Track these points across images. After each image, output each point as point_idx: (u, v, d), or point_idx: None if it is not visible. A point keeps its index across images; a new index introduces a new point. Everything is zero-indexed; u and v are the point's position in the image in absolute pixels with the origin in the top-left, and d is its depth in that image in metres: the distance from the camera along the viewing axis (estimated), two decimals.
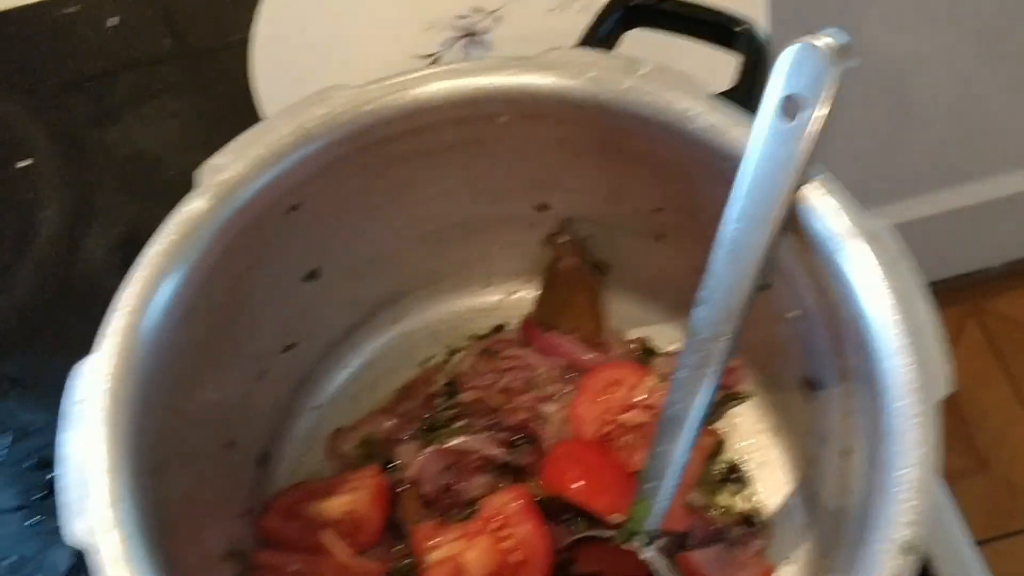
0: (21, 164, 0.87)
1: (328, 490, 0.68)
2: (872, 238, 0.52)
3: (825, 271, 0.54)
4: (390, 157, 0.61)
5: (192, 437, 0.60)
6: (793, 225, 0.54)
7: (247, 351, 0.65)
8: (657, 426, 0.59)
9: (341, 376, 0.74)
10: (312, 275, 0.67)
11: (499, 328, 0.75)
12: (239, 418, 0.66)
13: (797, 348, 0.63)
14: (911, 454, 0.47)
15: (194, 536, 0.60)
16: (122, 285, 0.54)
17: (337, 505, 0.67)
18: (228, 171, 0.56)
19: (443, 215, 0.69)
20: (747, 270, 0.53)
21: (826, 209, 0.53)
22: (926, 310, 0.50)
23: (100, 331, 0.53)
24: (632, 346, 0.73)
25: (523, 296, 0.76)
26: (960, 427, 1.47)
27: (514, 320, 0.75)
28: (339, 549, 0.65)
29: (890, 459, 0.47)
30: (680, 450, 0.58)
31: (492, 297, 0.76)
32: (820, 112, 0.50)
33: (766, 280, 0.60)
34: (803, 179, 0.52)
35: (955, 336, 1.55)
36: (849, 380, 0.56)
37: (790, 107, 0.51)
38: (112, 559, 0.48)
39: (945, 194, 1.43)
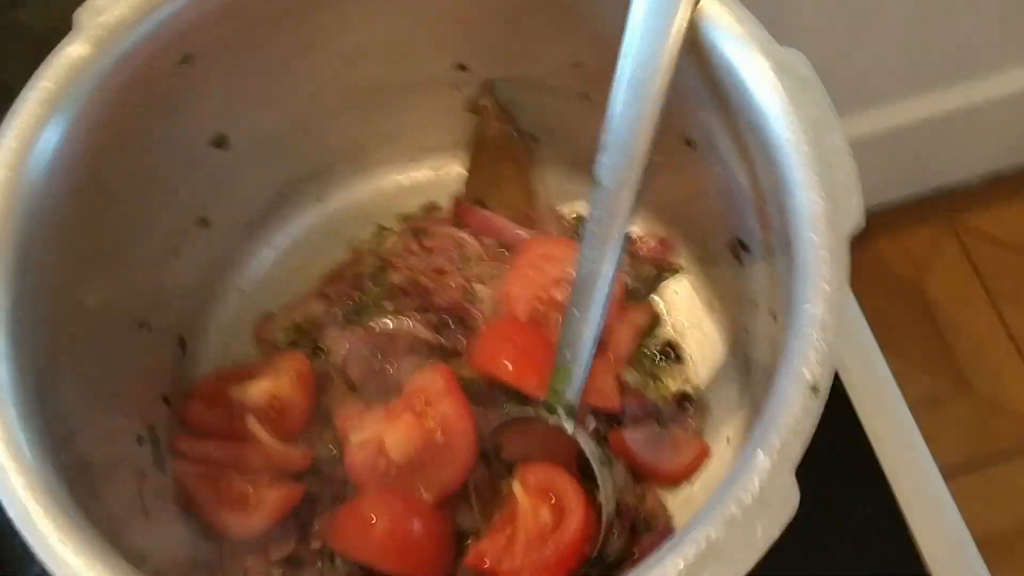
0: None
1: (251, 374, 0.66)
2: (779, 65, 0.48)
3: (735, 107, 0.50)
4: (285, 7, 0.57)
5: (96, 314, 0.57)
6: (696, 56, 0.50)
7: (155, 224, 0.61)
8: (572, 289, 0.55)
9: (266, 258, 0.71)
10: (220, 142, 0.63)
11: (430, 207, 0.72)
12: (152, 299, 0.63)
13: (724, 211, 0.59)
14: (816, 288, 0.44)
15: (105, 418, 0.57)
16: None
17: (260, 389, 0.65)
18: (109, 13, 0.52)
19: (355, 79, 0.65)
20: (648, 108, 0.50)
21: (730, 36, 0.49)
22: (838, 139, 0.47)
23: None
24: (566, 222, 0.70)
25: (453, 172, 0.73)
26: (939, 346, 1.42)
27: (445, 198, 0.72)
28: (263, 435, 0.63)
29: (798, 296, 0.44)
30: (594, 312, 0.55)
31: (421, 173, 0.73)
32: None
33: (688, 135, 0.57)
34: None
35: (932, 253, 1.49)
36: (770, 232, 0.53)
37: None
38: None
39: (914, 102, 1.33)
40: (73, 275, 0.54)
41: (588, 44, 0.59)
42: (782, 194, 0.48)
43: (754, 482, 0.41)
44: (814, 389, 0.42)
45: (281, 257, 0.72)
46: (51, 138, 0.51)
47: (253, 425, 0.63)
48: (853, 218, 0.46)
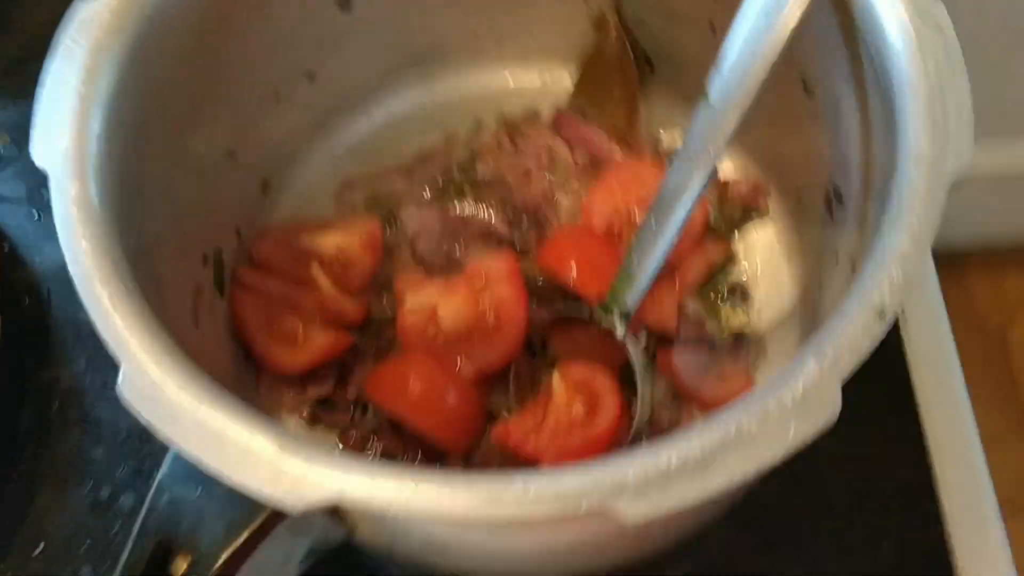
0: None
1: (324, 227, 0.67)
2: (919, 11, 0.47)
3: (864, 46, 0.49)
4: None
5: (190, 131, 0.59)
6: None
7: (265, 65, 0.63)
8: (654, 200, 0.55)
9: (362, 126, 0.72)
10: (344, 3, 0.64)
11: (533, 114, 0.72)
12: (246, 134, 0.64)
13: (826, 159, 0.58)
14: (904, 221, 0.43)
15: (177, 226, 0.59)
16: None
17: (330, 241, 0.66)
18: None
19: None
20: (775, 33, 0.49)
21: None
22: (961, 88, 0.46)
23: None
24: (663, 150, 0.70)
25: (560, 83, 0.73)
26: (1011, 390, 1.39)
27: (547, 107, 0.72)
28: (323, 281, 0.64)
29: (885, 229, 0.44)
30: (671, 225, 0.55)
31: (528, 77, 0.73)
32: None
33: (805, 76, 0.57)
34: None
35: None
36: (871, 177, 0.52)
37: None
38: (73, 197, 0.47)
39: None
40: (175, 90, 0.56)
41: None
42: (891, 133, 0.47)
43: (798, 385, 0.40)
44: (880, 313, 0.42)
45: (376, 129, 0.73)
46: None
47: (316, 271, 0.65)
48: (957, 163, 0.45)
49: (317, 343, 0.62)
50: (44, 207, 0.75)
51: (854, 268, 0.55)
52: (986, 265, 1.41)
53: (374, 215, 0.68)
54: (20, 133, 0.78)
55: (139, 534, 0.45)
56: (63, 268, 0.65)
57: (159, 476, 0.46)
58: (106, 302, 0.44)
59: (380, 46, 0.69)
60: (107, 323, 0.44)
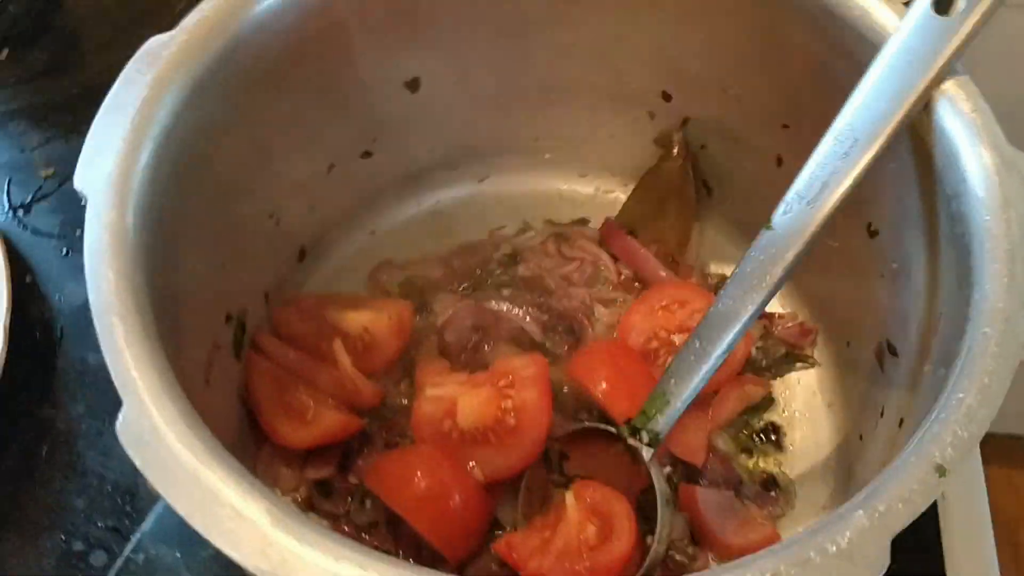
0: None
1: (354, 304, 0.65)
2: (1005, 163, 0.46)
3: (945, 193, 0.48)
4: None
5: (235, 191, 0.57)
6: (918, 133, 0.48)
7: (326, 133, 0.62)
8: (701, 321, 0.53)
9: (409, 211, 0.71)
10: (413, 85, 0.64)
11: (581, 221, 0.71)
12: (290, 201, 0.63)
13: (885, 311, 0.56)
14: (974, 379, 0.40)
15: (207, 278, 0.57)
16: None
17: (358, 319, 0.64)
18: None
19: (561, 73, 0.65)
20: (851, 167, 0.48)
21: (962, 121, 0.47)
22: None
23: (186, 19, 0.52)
24: (710, 278, 0.68)
25: (613, 196, 0.72)
26: None
27: (597, 219, 0.71)
28: (343, 359, 0.62)
29: (954, 382, 0.41)
30: (716, 348, 0.52)
31: (582, 187, 0.72)
32: (976, 12, 0.45)
33: (873, 221, 0.55)
34: (940, 79, 0.47)
35: None
36: (932, 335, 0.49)
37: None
38: (108, 223, 0.45)
39: None
40: (230, 139, 0.55)
41: (806, 105, 0.57)
42: (965, 285, 0.45)
43: (844, 535, 0.37)
44: (940, 469, 0.39)
45: (422, 217, 0.72)
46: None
47: (338, 347, 0.62)
48: None
49: (326, 422, 0.59)
50: (74, 244, 0.74)
51: (901, 424, 0.52)
52: (1003, 454, 1.37)
53: (406, 300, 0.66)
54: (65, 168, 0.77)
55: None
56: (81, 308, 0.64)
57: (140, 532, 0.43)
58: (120, 336, 0.42)
59: (440, 134, 0.68)
60: (117, 358, 0.41)
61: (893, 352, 0.55)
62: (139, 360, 0.42)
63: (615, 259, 0.68)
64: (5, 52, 0.85)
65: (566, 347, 0.65)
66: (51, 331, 0.71)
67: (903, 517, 0.38)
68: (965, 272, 0.45)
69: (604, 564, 0.51)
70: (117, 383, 0.41)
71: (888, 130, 0.48)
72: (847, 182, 0.49)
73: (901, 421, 0.52)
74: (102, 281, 0.43)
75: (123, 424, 0.40)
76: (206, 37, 0.50)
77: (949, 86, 0.48)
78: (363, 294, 0.67)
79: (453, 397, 0.58)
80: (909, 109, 0.47)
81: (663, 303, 0.64)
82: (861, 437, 0.57)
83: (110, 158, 0.46)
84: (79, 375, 0.69)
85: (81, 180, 0.46)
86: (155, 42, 0.49)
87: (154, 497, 0.40)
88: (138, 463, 0.39)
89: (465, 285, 0.68)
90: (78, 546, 0.61)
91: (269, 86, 0.55)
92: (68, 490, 0.63)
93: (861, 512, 0.38)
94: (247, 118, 0.55)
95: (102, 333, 0.42)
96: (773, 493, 0.59)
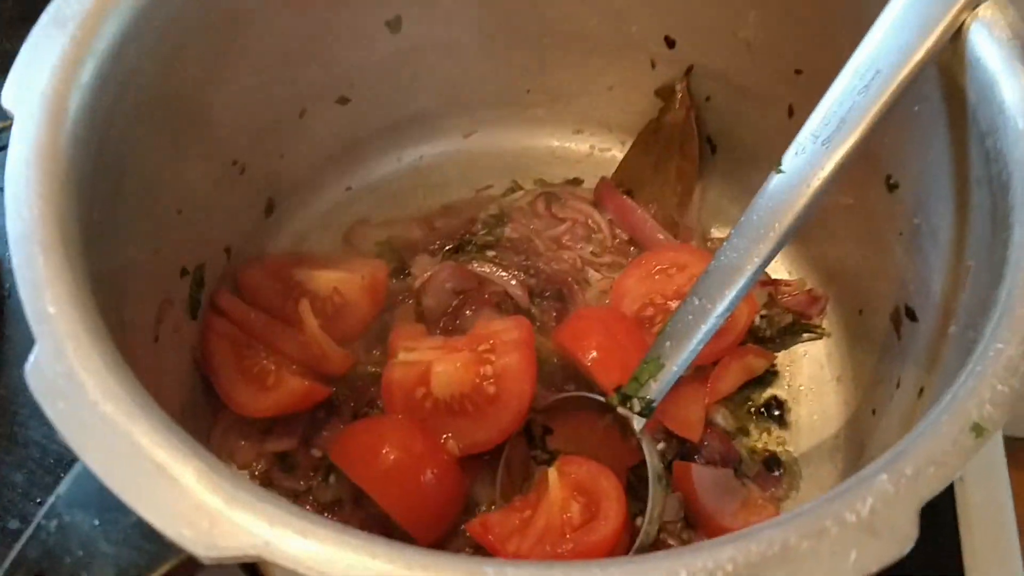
0: None
1: (324, 264, 0.60)
2: None
3: (981, 130, 0.42)
4: None
5: (199, 123, 0.52)
6: (950, 65, 0.43)
7: (297, 73, 0.57)
8: (699, 278, 0.48)
9: (387, 166, 0.66)
10: (394, 25, 0.58)
11: (574, 181, 0.66)
12: (258, 144, 0.58)
13: (903, 271, 0.51)
14: (1015, 330, 0.35)
15: (157, 225, 0.51)
16: None
17: (327, 279, 0.59)
18: None
19: (560, 12, 0.60)
20: (871, 105, 0.43)
21: (1002, 46, 0.41)
22: None
23: None
24: (710, 242, 0.62)
25: (609, 155, 0.66)
26: None
27: (591, 178, 0.65)
28: (310, 321, 0.57)
29: (991, 332, 0.36)
30: (717, 307, 0.47)
31: (576, 145, 0.67)
32: None
33: (892, 173, 0.50)
34: (974, 2, 0.42)
35: None
36: (959, 290, 0.44)
37: None
38: (38, 145, 0.40)
39: None
40: (188, 62, 0.49)
41: (823, 48, 0.52)
42: (1003, 227, 0.39)
43: (865, 502, 0.32)
44: (976, 428, 0.33)
45: (403, 172, 0.66)
46: None
47: (304, 308, 0.57)
48: None
49: (288, 388, 0.54)
50: None
51: (921, 394, 0.47)
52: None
53: (381, 260, 0.61)
54: None
55: (13, 563, 0.36)
56: None
57: (53, 496, 0.37)
58: (40, 267, 0.37)
59: (422, 82, 0.63)
60: (34, 292, 0.36)
61: (912, 317, 0.50)
62: (59, 297, 0.37)
63: (610, 221, 0.63)
64: None
65: (554, 314, 0.59)
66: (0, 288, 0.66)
67: (934, 483, 0.32)
68: (1002, 213, 0.40)
69: (588, 546, 0.46)
70: (31, 319, 0.36)
71: (914, 60, 0.42)
72: (867, 119, 0.43)
73: (921, 391, 0.47)
74: (23, 206, 0.38)
75: (34, 367, 0.35)
76: None
77: (985, 9, 0.42)
78: (336, 254, 0.62)
79: (428, 362, 0.53)
80: (939, 37, 0.42)
81: (660, 267, 0.59)
82: (874, 412, 0.52)
83: (45, 75, 0.41)
84: (26, 338, 0.63)
85: (9, 98, 0.41)
86: None
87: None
88: (49, 412, 0.34)
89: (448, 247, 0.62)
90: (14, 524, 0.56)
91: (235, 6, 0.49)
92: (6, 463, 0.58)
93: (885, 476, 0.33)
94: (208, 41, 0.49)
95: (19, 264, 0.37)
96: (776, 473, 0.54)
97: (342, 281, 0.59)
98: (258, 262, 0.60)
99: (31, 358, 0.35)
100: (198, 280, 0.56)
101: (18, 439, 0.59)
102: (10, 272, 0.65)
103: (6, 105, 0.42)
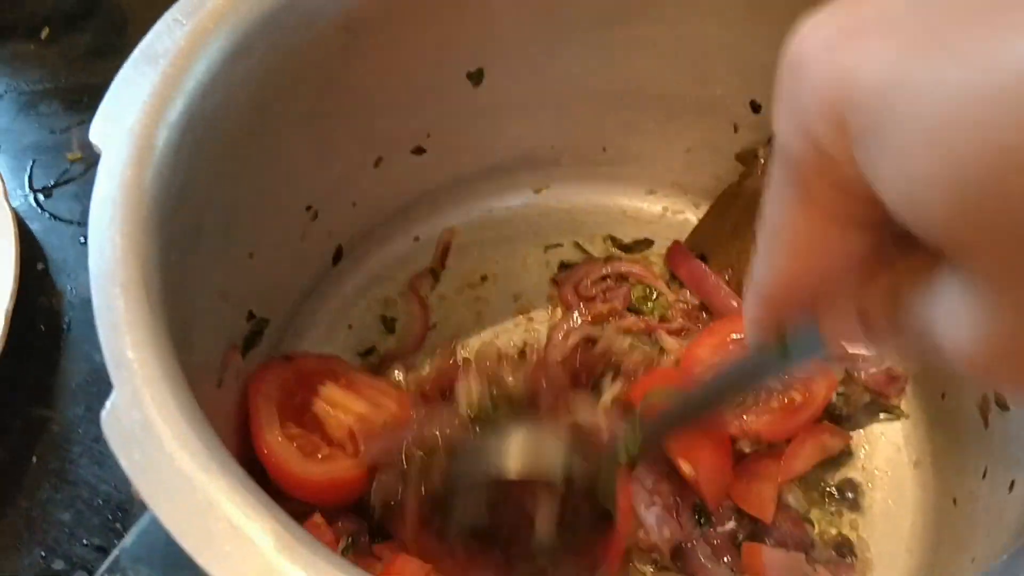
0: None
1: (351, 384, 0.55)
2: None
3: None
4: None
5: (277, 162, 0.51)
6: None
7: (376, 122, 0.56)
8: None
9: (457, 218, 0.65)
10: (477, 75, 0.58)
11: (644, 242, 0.64)
12: (335, 192, 0.57)
13: None
14: None
15: (229, 266, 0.50)
16: None
17: (343, 421, 0.53)
18: None
19: (642, 71, 0.59)
20: None
21: None
22: None
23: None
24: None
25: (685, 219, 0.65)
26: None
27: (663, 241, 0.64)
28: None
29: None
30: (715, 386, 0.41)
31: (652, 207, 0.66)
32: None
33: None
34: None
35: None
36: None
37: None
38: (123, 182, 0.40)
39: None
40: (273, 104, 0.49)
41: None
42: None
43: None
44: None
45: (471, 226, 0.65)
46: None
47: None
48: None
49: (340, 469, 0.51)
50: None
51: (1012, 488, 0.44)
52: None
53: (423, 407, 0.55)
54: (95, 154, 0.72)
55: None
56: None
57: (118, 549, 0.36)
58: (121, 310, 0.36)
59: (498, 135, 0.62)
60: (113, 335, 0.35)
61: (1003, 406, 0.48)
62: (139, 342, 0.36)
63: (681, 285, 0.62)
64: (45, 31, 0.80)
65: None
66: (58, 324, 0.65)
67: None
68: None
69: None
70: (110, 364, 0.35)
71: None
72: None
73: (1012, 484, 0.44)
74: (107, 244, 0.37)
75: (110, 414, 0.34)
76: None
77: None
78: (367, 376, 0.57)
79: None
80: None
81: (734, 335, 0.57)
82: (955, 501, 0.50)
83: (134, 111, 0.41)
84: (82, 374, 0.63)
85: (97, 133, 0.41)
86: None
87: (143, 509, 0.33)
88: (123, 462, 0.33)
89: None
90: (58, 565, 0.55)
91: (322, 53, 0.49)
92: (55, 501, 0.57)
93: None
94: (295, 87, 0.49)
95: (100, 305, 0.36)
96: (848, 559, 0.52)
97: (360, 421, 0.53)
98: (289, 363, 0.55)
99: (108, 405, 0.34)
100: (261, 324, 0.55)
101: (68, 476, 0.59)
102: (71, 304, 0.66)
103: (94, 140, 0.41)
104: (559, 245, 0.64)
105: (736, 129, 0.60)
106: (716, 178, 0.63)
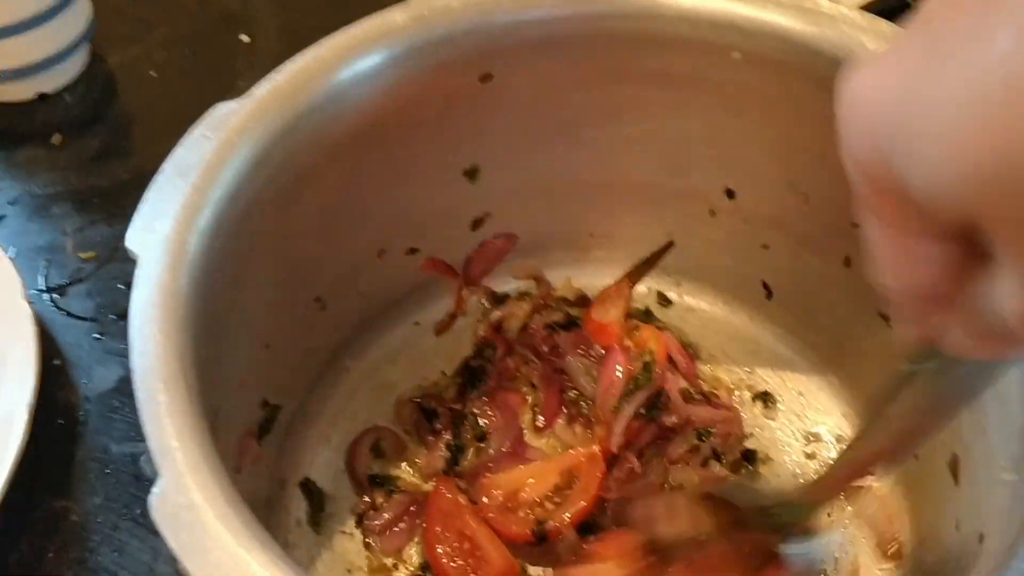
0: None
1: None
2: None
3: None
4: (603, 69, 0.57)
5: (292, 262, 0.56)
6: None
7: (379, 219, 0.61)
8: None
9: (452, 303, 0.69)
10: (472, 172, 0.62)
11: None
12: (340, 285, 0.61)
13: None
14: None
15: (251, 357, 0.54)
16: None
17: None
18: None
19: (626, 167, 0.63)
20: None
21: None
22: None
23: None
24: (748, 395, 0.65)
25: (669, 298, 0.69)
26: None
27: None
28: None
29: None
30: None
31: (638, 288, 0.70)
32: None
33: None
34: None
35: None
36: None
37: None
38: (161, 285, 0.44)
39: None
40: (289, 209, 0.53)
41: None
42: None
43: None
44: None
45: (468, 308, 0.69)
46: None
47: None
48: None
49: None
50: (107, 329, 0.72)
51: (982, 540, 0.48)
52: None
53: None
54: (106, 252, 0.76)
55: None
56: (107, 394, 0.61)
57: None
58: (164, 403, 0.39)
59: (490, 226, 0.66)
60: (158, 426, 0.39)
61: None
62: (181, 431, 0.39)
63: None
64: (58, 137, 0.85)
65: None
66: (75, 417, 0.68)
67: None
68: None
69: None
70: (156, 454, 0.38)
71: None
72: None
73: (981, 537, 0.48)
74: (149, 343, 0.41)
75: (157, 500, 0.37)
76: (275, 106, 0.49)
77: None
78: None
79: None
80: None
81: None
82: (935, 551, 0.53)
83: (168, 220, 0.45)
84: (99, 465, 0.66)
85: (135, 241, 0.45)
86: (222, 108, 0.48)
87: None
88: (172, 544, 0.36)
89: None
90: None
91: (332, 160, 0.53)
92: None
93: None
94: (309, 190, 0.53)
95: (143, 399, 0.40)
96: None
97: None
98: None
99: (156, 490, 0.37)
100: (274, 411, 0.59)
101: (88, 564, 0.61)
102: (87, 399, 0.68)
103: (130, 246, 0.45)
104: None
105: (713, 214, 0.65)
106: (696, 260, 0.67)
